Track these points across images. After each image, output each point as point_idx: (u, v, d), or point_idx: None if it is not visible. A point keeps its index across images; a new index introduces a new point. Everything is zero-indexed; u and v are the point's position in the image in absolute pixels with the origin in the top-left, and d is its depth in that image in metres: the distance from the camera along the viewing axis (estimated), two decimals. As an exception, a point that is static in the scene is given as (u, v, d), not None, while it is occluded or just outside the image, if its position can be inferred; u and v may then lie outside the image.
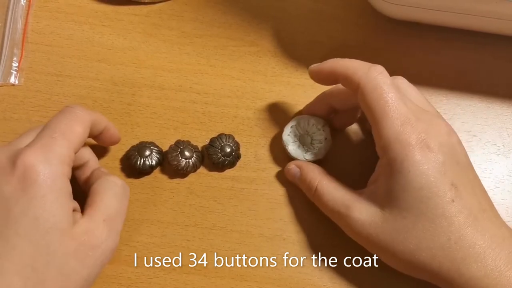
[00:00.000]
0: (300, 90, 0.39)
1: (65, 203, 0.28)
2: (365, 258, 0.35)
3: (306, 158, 0.36)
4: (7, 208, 0.27)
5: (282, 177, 0.37)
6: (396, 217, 0.29)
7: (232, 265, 0.35)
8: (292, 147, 0.36)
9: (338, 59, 0.33)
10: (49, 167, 0.27)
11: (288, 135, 0.36)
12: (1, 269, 0.26)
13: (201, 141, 0.37)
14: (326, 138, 0.36)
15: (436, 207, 0.28)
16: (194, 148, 0.36)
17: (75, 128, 0.29)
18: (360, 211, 0.31)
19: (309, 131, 0.36)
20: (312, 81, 0.39)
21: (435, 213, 0.28)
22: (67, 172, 0.29)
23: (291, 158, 0.36)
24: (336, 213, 0.32)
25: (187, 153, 0.36)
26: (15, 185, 0.27)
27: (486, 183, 0.36)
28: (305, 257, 0.35)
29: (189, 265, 0.34)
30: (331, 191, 0.33)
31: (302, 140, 0.36)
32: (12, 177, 0.27)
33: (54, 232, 0.27)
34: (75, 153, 0.30)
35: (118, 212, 0.30)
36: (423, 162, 0.28)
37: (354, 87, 0.31)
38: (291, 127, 0.36)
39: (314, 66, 0.34)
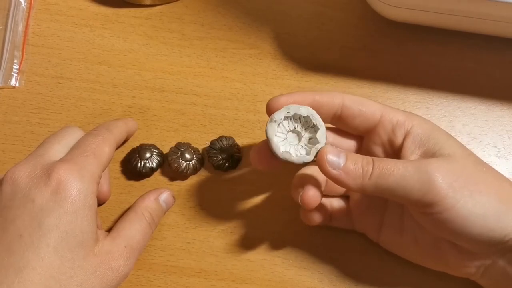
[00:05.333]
0: (301, 92, 0.39)
1: (93, 220, 0.29)
2: (365, 261, 0.35)
3: (304, 160, 0.29)
4: (38, 218, 0.27)
5: (283, 179, 0.37)
6: None
7: (233, 267, 0.35)
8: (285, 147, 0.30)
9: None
10: (82, 184, 0.29)
11: (279, 132, 0.30)
12: (28, 279, 0.26)
13: (201, 144, 0.37)
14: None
15: None
16: (194, 151, 0.36)
17: (104, 148, 0.31)
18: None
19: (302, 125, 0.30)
20: (312, 83, 0.39)
21: None
22: (96, 190, 0.30)
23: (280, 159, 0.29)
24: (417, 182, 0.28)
25: (187, 156, 0.36)
26: (48, 196, 0.28)
27: (487, 186, 0.36)
28: (306, 260, 0.35)
29: (190, 268, 0.34)
30: (395, 164, 0.28)
31: (293, 136, 0.30)
32: (46, 188, 0.28)
33: (80, 248, 0.28)
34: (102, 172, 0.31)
35: (139, 244, 0.31)
36: None
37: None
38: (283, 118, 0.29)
39: None
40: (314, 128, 0.29)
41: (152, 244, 0.35)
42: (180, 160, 0.35)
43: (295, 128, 0.30)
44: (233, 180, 0.37)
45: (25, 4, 0.40)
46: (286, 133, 0.30)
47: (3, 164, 0.36)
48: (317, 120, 0.29)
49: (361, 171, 0.28)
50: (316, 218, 0.32)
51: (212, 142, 0.37)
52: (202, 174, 0.37)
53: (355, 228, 0.34)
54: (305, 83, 0.39)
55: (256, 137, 0.38)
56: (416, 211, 0.29)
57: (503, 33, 0.38)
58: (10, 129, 0.37)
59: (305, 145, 0.30)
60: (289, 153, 0.29)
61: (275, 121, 0.29)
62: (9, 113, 0.38)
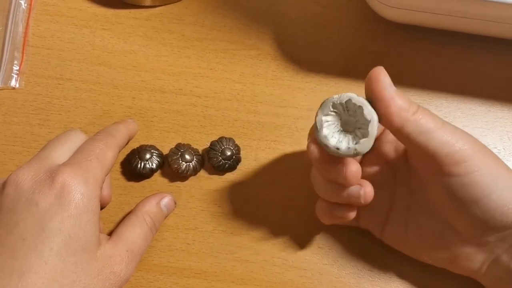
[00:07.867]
0: (301, 93, 0.39)
1: (96, 225, 0.29)
2: (365, 262, 0.35)
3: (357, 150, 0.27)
4: (42, 221, 0.27)
5: (283, 180, 0.37)
6: None
7: (233, 268, 0.35)
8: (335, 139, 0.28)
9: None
10: (86, 188, 0.29)
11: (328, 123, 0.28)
12: (31, 282, 0.26)
13: (201, 145, 0.37)
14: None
15: None
16: (194, 152, 0.36)
17: (107, 153, 0.31)
18: None
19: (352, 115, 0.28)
20: (313, 84, 0.39)
21: None
22: (99, 195, 0.30)
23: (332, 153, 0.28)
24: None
25: (187, 157, 0.36)
26: (52, 200, 0.28)
27: (487, 187, 0.36)
28: (306, 261, 0.35)
29: (190, 269, 0.34)
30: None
31: (345, 125, 0.28)
32: (50, 191, 0.28)
33: (83, 252, 0.28)
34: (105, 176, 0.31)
35: (141, 248, 0.31)
36: None
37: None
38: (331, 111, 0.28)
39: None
40: (359, 115, 0.27)
41: (152, 245, 0.35)
42: (180, 161, 0.35)
43: (344, 110, 0.28)
44: (233, 181, 0.37)
45: (25, 5, 0.40)
46: (331, 114, 0.28)
47: (3, 165, 0.36)
48: (371, 114, 0.27)
49: (408, 105, 0.28)
50: (351, 214, 0.31)
51: (212, 143, 0.37)
52: (202, 175, 0.37)
53: (359, 224, 0.34)
54: (305, 84, 0.39)
55: (256, 138, 0.38)
56: (438, 172, 0.28)
57: (503, 34, 0.38)
58: (10, 130, 0.37)
59: (354, 136, 0.28)
60: (338, 148, 0.27)
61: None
62: (9, 114, 0.38)
